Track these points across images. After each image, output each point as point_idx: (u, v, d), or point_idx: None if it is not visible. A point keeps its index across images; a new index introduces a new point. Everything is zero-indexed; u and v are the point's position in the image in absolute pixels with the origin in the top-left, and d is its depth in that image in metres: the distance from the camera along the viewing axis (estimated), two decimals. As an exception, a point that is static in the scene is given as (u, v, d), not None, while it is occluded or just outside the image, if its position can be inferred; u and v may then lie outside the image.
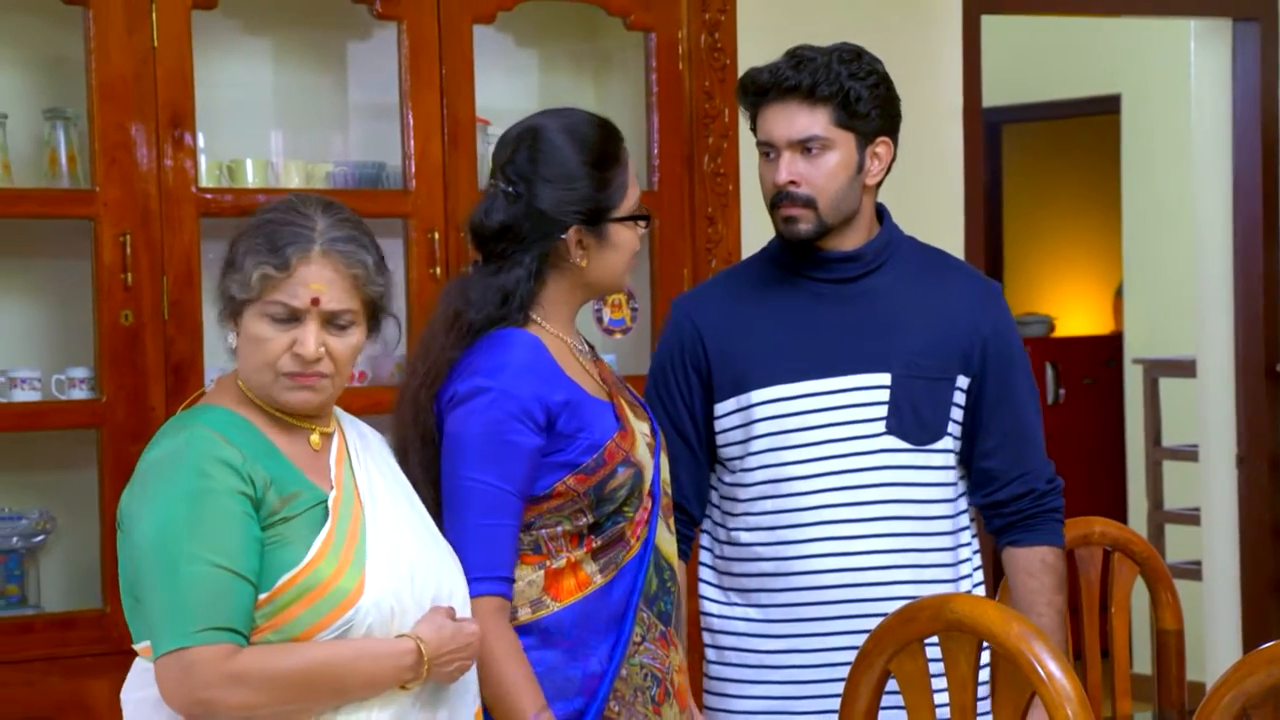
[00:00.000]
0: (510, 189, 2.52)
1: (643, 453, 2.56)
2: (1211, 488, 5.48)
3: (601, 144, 2.54)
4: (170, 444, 2.21)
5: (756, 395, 2.74)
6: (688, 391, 2.80)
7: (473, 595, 2.39)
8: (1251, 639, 5.21)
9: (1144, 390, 6.62)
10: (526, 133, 2.55)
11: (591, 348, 2.64)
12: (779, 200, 2.71)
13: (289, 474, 2.23)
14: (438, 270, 3.84)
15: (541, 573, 2.49)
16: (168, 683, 2.13)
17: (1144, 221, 6.87)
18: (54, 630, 3.59)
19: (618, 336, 4.17)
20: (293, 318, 2.23)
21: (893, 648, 2.40)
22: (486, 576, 2.42)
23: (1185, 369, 6.09)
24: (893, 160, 2.76)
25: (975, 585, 2.81)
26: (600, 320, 4.14)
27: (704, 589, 2.84)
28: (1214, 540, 5.47)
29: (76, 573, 3.78)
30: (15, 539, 3.70)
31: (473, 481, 2.43)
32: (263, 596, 2.17)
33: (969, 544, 2.81)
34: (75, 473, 3.76)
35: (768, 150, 2.72)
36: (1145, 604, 3.26)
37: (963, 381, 2.74)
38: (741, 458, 2.76)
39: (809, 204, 2.69)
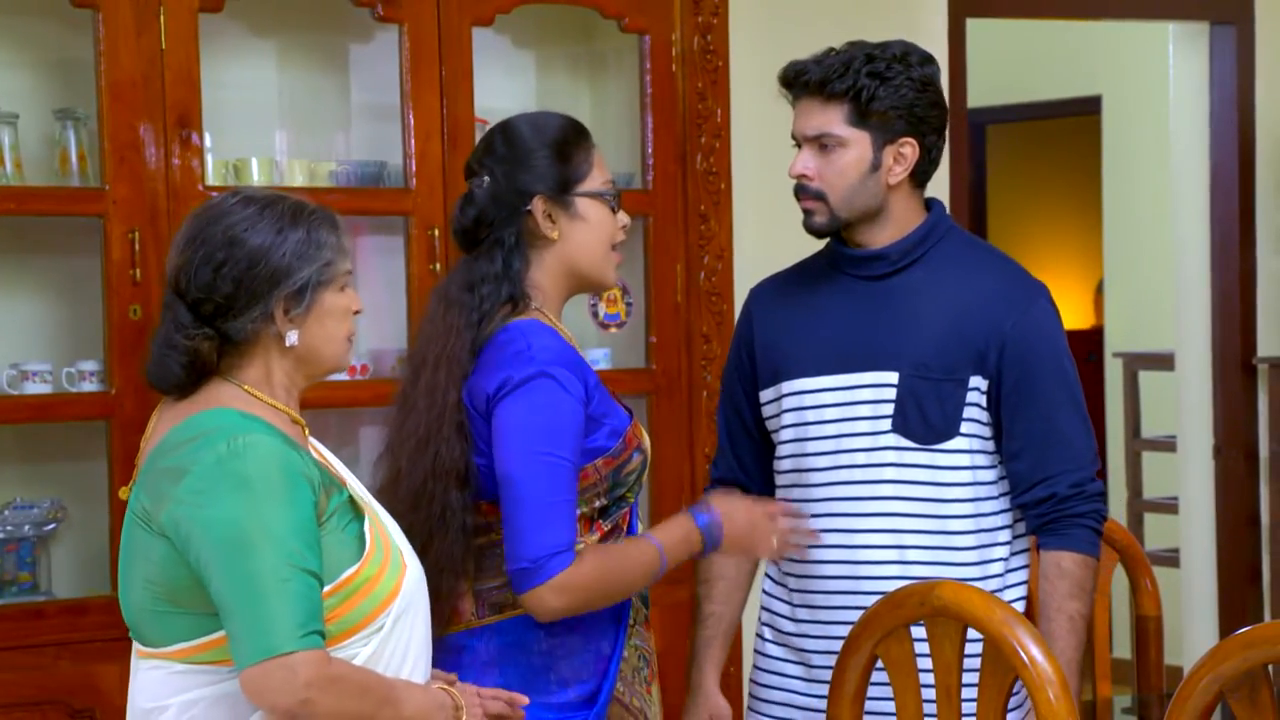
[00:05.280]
0: (478, 179, 2.59)
1: (646, 442, 2.64)
2: (1189, 478, 5.51)
3: (563, 130, 2.60)
4: (225, 450, 2.16)
5: (786, 386, 2.78)
6: (744, 376, 2.86)
7: (564, 567, 2.43)
8: (1228, 624, 5.26)
9: (1124, 383, 6.67)
10: (495, 128, 2.63)
11: None
12: (796, 191, 2.75)
13: (322, 472, 2.24)
14: (437, 266, 3.85)
15: None
16: (266, 683, 2.11)
17: (1124, 219, 6.89)
18: (65, 616, 3.61)
19: (613, 331, 4.18)
20: (349, 282, 2.30)
21: (880, 633, 2.43)
22: (568, 548, 2.45)
23: (1164, 362, 6.12)
24: (926, 160, 2.73)
25: (1010, 586, 2.74)
26: (596, 315, 4.16)
27: (768, 567, 2.88)
28: (1191, 529, 5.51)
29: (87, 560, 3.80)
30: (27, 527, 3.73)
31: (554, 458, 2.45)
32: (328, 589, 2.18)
33: (1006, 544, 2.74)
34: (85, 463, 3.77)
35: (796, 143, 2.76)
36: (1125, 590, 3.31)
37: (979, 383, 2.69)
38: (777, 445, 2.82)
39: (820, 197, 2.72)
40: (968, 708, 2.44)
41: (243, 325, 2.23)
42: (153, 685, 2.24)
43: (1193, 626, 5.48)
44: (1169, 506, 6.09)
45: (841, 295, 2.77)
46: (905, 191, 2.75)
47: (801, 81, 2.71)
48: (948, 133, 4.63)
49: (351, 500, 2.27)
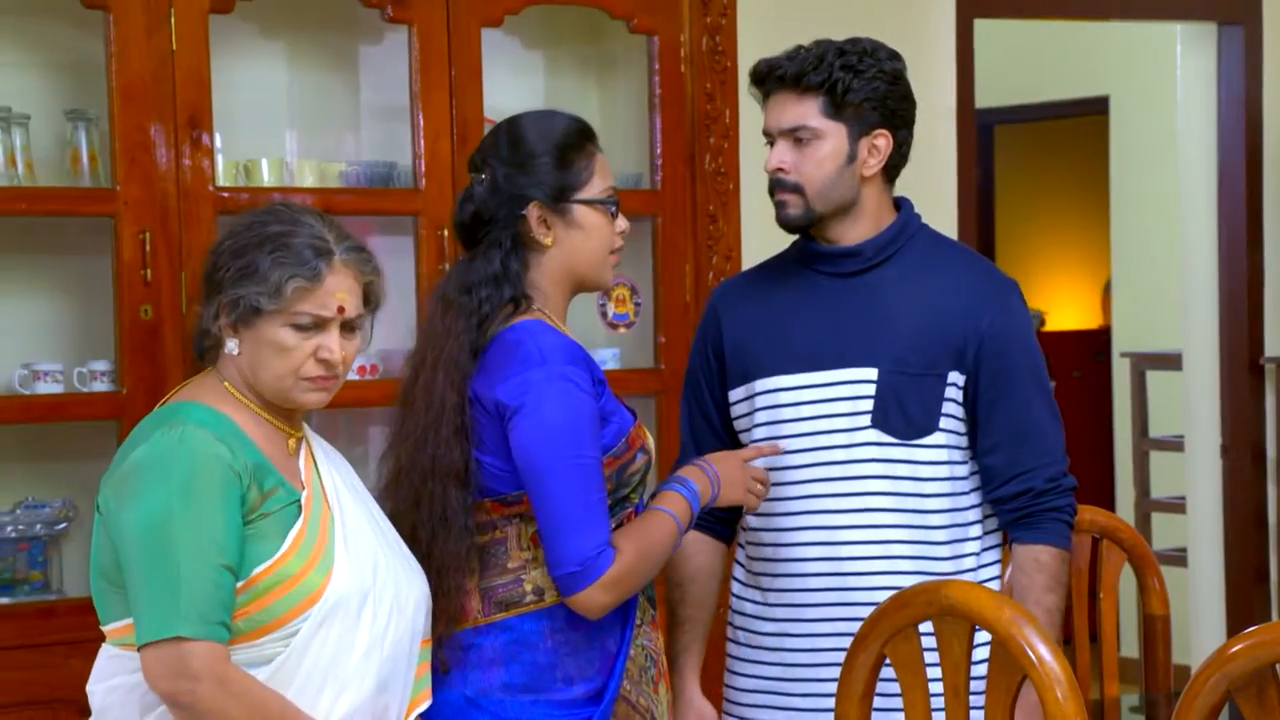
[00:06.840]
0: (480, 175, 2.59)
1: (650, 443, 2.64)
2: (1196, 477, 5.51)
3: (567, 135, 2.59)
4: (161, 441, 2.24)
5: (759, 385, 2.78)
6: (711, 376, 2.86)
7: (610, 563, 2.45)
8: (1235, 623, 5.25)
9: (1131, 383, 6.66)
10: (500, 125, 2.63)
11: None
12: (771, 187, 2.76)
13: (268, 472, 2.29)
14: (446, 266, 3.86)
15: None
16: (157, 666, 2.17)
17: (1132, 219, 6.88)
18: (75, 615, 3.60)
19: (621, 331, 4.20)
20: (315, 326, 2.30)
21: (888, 632, 2.41)
22: (608, 544, 2.47)
23: (1171, 362, 6.11)
24: (897, 154, 2.76)
25: (983, 582, 2.76)
26: (605, 314, 4.17)
27: (735, 569, 2.89)
28: (1199, 528, 5.50)
29: (97, 560, 3.86)
30: (38, 527, 3.75)
31: (582, 458, 2.46)
32: (238, 585, 2.22)
33: (978, 538, 2.78)
34: (96, 463, 3.66)
35: (769, 139, 2.77)
36: (1133, 590, 3.31)
37: (956, 378, 2.72)
38: (748, 445, 2.81)
39: (796, 190, 2.73)
40: (975, 701, 2.44)
41: (203, 316, 2.34)
42: (94, 670, 2.32)
43: (1200, 626, 5.48)
44: (1176, 506, 6.09)
45: (813, 292, 2.79)
46: (878, 186, 2.77)
47: (775, 76, 2.74)
48: (956, 133, 4.78)
49: (299, 502, 2.30)
